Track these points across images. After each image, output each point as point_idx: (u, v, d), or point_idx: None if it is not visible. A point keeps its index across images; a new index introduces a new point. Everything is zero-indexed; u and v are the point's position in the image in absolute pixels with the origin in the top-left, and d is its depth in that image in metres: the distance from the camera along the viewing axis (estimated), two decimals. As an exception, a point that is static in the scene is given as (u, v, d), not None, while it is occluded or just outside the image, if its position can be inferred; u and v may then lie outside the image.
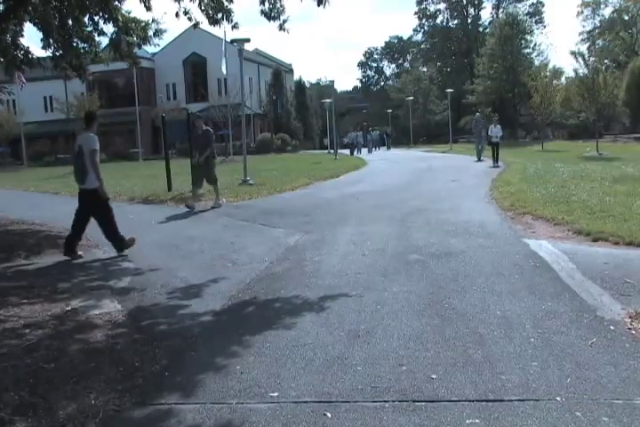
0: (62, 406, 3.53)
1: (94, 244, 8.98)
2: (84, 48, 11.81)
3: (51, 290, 6.37)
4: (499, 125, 23.52)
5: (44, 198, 17.58)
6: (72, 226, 8.10)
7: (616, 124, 51.98)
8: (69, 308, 5.63)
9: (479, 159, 24.81)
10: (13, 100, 40.79)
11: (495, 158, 22.13)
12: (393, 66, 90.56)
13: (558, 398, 3.39)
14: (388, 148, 49.10)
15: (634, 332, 4.38)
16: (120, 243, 8.09)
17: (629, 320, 4.61)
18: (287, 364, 4.07)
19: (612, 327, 4.49)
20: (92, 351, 4.47)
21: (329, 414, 3.32)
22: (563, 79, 44.89)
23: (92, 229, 8.89)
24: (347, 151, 38.04)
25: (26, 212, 13.17)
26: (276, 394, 3.60)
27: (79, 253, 8.07)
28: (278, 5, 9.85)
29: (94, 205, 7.94)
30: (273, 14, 9.92)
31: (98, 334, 4.86)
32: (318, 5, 8.92)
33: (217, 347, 4.50)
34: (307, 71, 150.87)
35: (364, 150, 41.21)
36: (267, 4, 9.85)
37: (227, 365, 4.12)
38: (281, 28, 10.05)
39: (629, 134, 44.77)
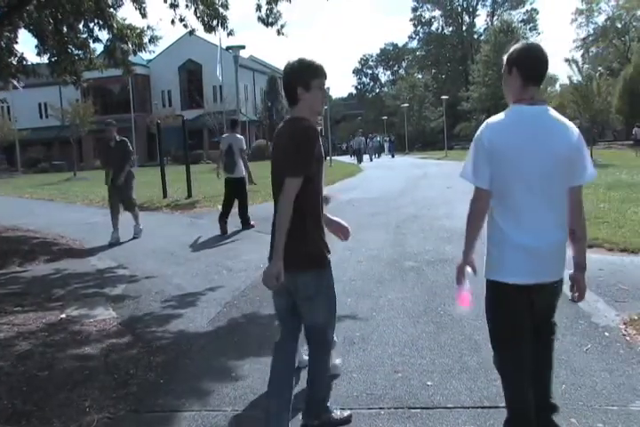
0: (56, 415, 3.51)
1: (89, 251, 8.96)
2: (78, 55, 11.81)
3: (45, 297, 6.34)
4: None
5: (39, 205, 17.53)
6: (222, 209, 10.40)
7: (610, 131, 52.27)
8: (64, 315, 5.61)
9: None
10: (8, 107, 40.81)
11: None
12: (388, 73, 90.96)
13: (553, 405, 3.39)
14: (393, 155, 46.34)
15: (628, 338, 4.39)
16: (247, 221, 10.42)
17: (624, 326, 4.62)
18: (282, 371, 4.05)
19: (606, 334, 4.50)
20: (86, 359, 4.45)
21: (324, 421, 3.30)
22: (557, 86, 45.16)
23: (89, 235, 8.88)
24: (346, 159, 36.03)
25: (20, 218, 13.14)
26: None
27: (251, 223, 10.36)
28: (275, 11, 9.88)
29: (239, 190, 10.27)
30: (270, 20, 9.94)
31: (92, 342, 4.83)
32: None
33: (212, 354, 4.49)
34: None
35: (365, 157, 39.24)
36: (263, 11, 9.88)
37: (221, 372, 4.11)
38: (279, 33, 10.08)
39: (623, 141, 45.02)
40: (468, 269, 2.79)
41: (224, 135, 11.12)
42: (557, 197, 2.63)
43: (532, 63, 2.63)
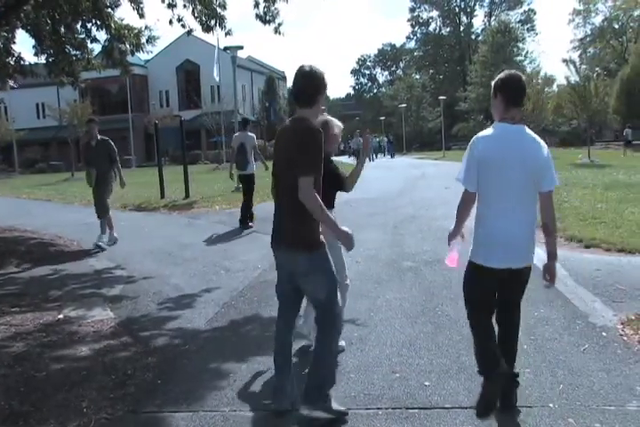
0: (53, 415, 3.51)
1: (87, 252, 8.95)
2: (75, 55, 11.79)
3: (42, 298, 6.33)
4: None
5: (36, 206, 17.50)
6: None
7: (607, 132, 52.38)
8: (61, 316, 5.60)
9: None
10: (5, 107, 40.73)
11: None
12: (386, 73, 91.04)
13: (551, 405, 3.40)
14: (392, 156, 45.96)
15: (626, 338, 4.40)
16: (246, 219, 10.58)
17: (621, 326, 4.63)
18: (280, 371, 4.05)
19: (604, 334, 4.51)
20: (83, 360, 4.45)
21: (322, 421, 3.30)
22: (554, 87, 45.21)
23: (87, 235, 8.88)
24: (344, 159, 35.03)
25: (17, 219, 13.12)
26: (269, 402, 3.59)
27: (250, 224, 10.53)
28: (272, 8, 9.85)
29: (248, 186, 10.75)
30: (267, 18, 9.91)
31: (90, 343, 4.83)
32: None
33: (210, 355, 4.48)
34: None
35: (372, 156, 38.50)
36: (261, 8, 9.85)
37: (219, 372, 4.11)
38: (276, 31, 10.05)
39: (620, 141, 45.09)
40: (458, 238, 3.43)
41: (236, 134, 11.39)
42: (528, 200, 3.22)
43: (513, 90, 3.25)
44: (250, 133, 10.93)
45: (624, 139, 35.53)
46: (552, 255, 3.31)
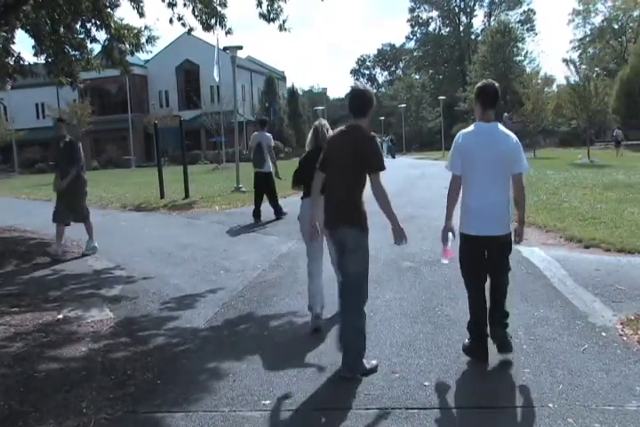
0: (53, 415, 3.51)
1: (85, 251, 8.94)
2: (75, 55, 11.77)
3: (42, 298, 6.32)
4: None
5: (36, 206, 17.47)
6: (254, 200, 11.36)
7: (607, 132, 52.36)
8: (61, 316, 5.60)
9: None
10: (5, 107, 40.73)
11: None
12: (385, 73, 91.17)
13: (550, 405, 3.40)
14: (393, 156, 45.29)
15: (625, 338, 4.40)
16: (280, 211, 11.21)
17: (621, 326, 4.63)
18: (279, 371, 4.06)
19: (603, 334, 4.51)
20: (83, 360, 4.44)
21: (322, 421, 3.31)
22: (554, 87, 45.26)
23: (86, 236, 8.86)
24: None
25: (17, 219, 13.11)
26: (268, 402, 3.59)
27: (260, 218, 11.11)
28: (276, 6, 9.81)
29: (268, 184, 11.20)
30: (272, 16, 9.87)
31: (89, 343, 4.83)
32: None
33: (209, 355, 4.48)
34: (299, 78, 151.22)
35: None
36: (264, 7, 9.81)
37: (219, 372, 4.11)
38: (281, 28, 10.00)
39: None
40: (450, 234, 4.13)
41: (254, 133, 11.84)
42: (501, 179, 4.02)
43: (488, 96, 4.08)
44: (267, 133, 11.49)
45: (614, 140, 35.60)
46: (521, 222, 4.17)
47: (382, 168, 4.04)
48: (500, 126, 4.05)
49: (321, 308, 4.97)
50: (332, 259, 4.87)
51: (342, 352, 3.97)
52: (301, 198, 5.14)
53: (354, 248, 4.02)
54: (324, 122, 5.13)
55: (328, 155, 4.20)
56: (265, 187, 11.28)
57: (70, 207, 8.65)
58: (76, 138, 9.78)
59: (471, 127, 4.11)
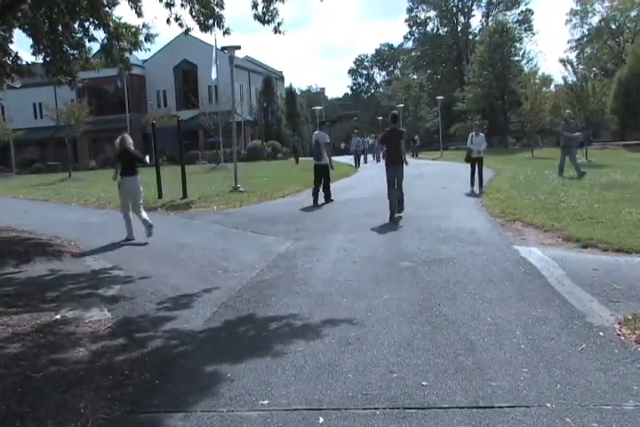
0: (51, 416, 3.50)
1: (84, 252, 8.93)
2: (73, 54, 11.75)
3: (39, 298, 6.31)
4: (481, 134, 15.46)
5: (34, 206, 17.47)
6: (314, 186, 14.03)
7: (604, 132, 52.41)
8: (58, 316, 5.59)
9: (561, 173, 18.02)
10: (2, 107, 40.60)
11: (479, 181, 15.02)
12: (383, 73, 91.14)
13: (548, 405, 3.40)
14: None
15: (623, 338, 4.41)
16: (329, 196, 14.01)
17: (618, 326, 4.64)
18: (277, 371, 4.06)
19: (601, 333, 4.52)
20: (81, 360, 4.44)
21: (320, 421, 3.31)
22: (552, 87, 45.27)
23: (85, 235, 8.86)
24: (343, 159, 34.49)
25: (15, 219, 13.08)
26: (266, 402, 3.59)
27: (319, 202, 13.70)
28: (271, 8, 9.82)
29: (324, 174, 13.90)
30: (267, 18, 9.87)
31: (87, 343, 4.82)
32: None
33: (207, 355, 4.48)
34: (297, 78, 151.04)
35: (369, 157, 37.70)
36: (259, 8, 9.81)
37: (217, 372, 4.11)
38: (276, 30, 10.02)
39: (618, 141, 45.16)
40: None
41: (315, 132, 14.98)
42: None
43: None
44: (323, 133, 14.25)
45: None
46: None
47: (405, 140, 10.07)
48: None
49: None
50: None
51: (397, 204, 10.72)
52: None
53: (401, 172, 10.80)
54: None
55: (388, 137, 10.89)
56: (322, 176, 13.84)
57: None
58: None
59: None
